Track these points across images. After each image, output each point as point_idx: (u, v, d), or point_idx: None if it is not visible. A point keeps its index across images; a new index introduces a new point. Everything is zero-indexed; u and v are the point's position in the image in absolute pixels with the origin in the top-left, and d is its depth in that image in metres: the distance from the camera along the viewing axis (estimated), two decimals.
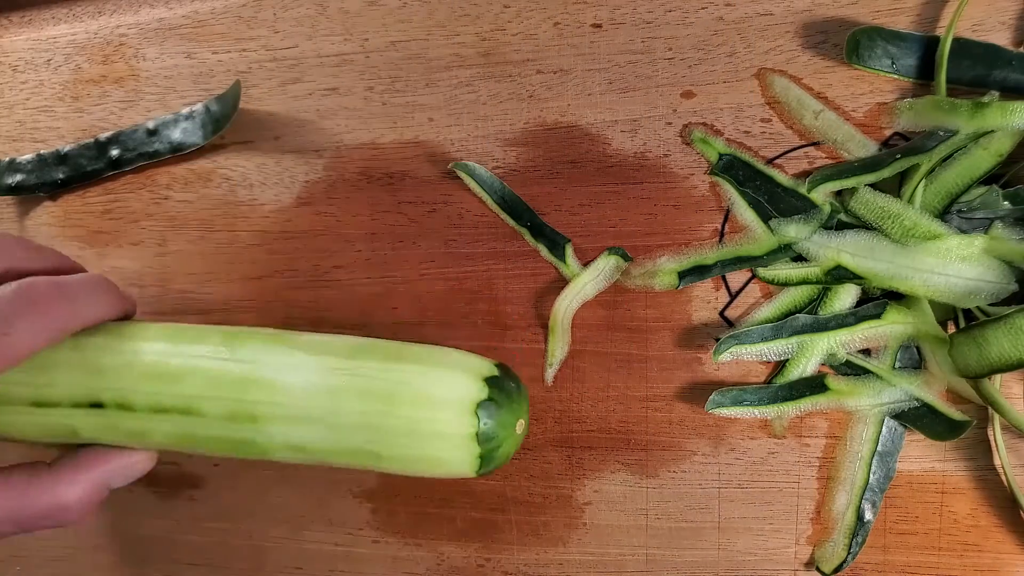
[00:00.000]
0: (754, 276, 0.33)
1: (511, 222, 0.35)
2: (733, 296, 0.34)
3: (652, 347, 0.34)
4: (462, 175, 0.35)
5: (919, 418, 0.31)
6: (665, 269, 0.33)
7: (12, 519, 0.27)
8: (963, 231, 0.30)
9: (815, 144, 0.33)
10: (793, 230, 0.31)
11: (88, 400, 0.28)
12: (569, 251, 0.34)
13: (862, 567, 0.33)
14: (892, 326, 0.31)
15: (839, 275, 0.31)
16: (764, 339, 0.32)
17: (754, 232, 0.33)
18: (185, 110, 0.38)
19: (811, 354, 0.32)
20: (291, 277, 0.38)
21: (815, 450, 0.33)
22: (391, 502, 0.38)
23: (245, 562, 0.40)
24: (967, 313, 0.31)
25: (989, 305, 0.30)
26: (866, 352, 0.32)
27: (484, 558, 0.37)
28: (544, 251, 0.35)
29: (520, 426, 0.29)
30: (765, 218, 0.33)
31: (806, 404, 0.32)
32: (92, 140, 0.39)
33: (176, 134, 0.38)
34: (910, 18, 0.32)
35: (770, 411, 0.32)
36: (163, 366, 0.28)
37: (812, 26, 0.32)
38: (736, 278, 0.34)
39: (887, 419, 0.32)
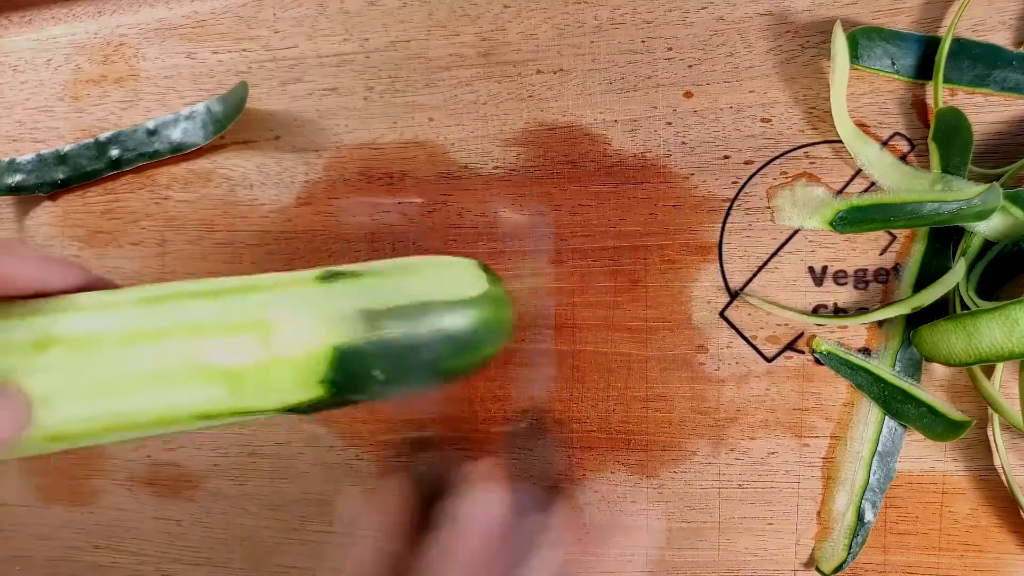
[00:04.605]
0: (754, 276, 0.33)
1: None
2: (733, 296, 0.34)
3: (652, 347, 0.34)
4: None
5: (919, 418, 0.31)
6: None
7: None
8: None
9: (815, 144, 0.33)
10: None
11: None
12: None
13: (862, 567, 0.33)
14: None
15: None
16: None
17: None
18: (185, 110, 0.38)
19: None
20: None
21: (815, 450, 0.33)
22: None
23: (246, 561, 0.40)
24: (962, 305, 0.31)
25: (982, 299, 0.29)
26: (866, 352, 0.32)
27: None
28: None
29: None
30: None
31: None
32: (92, 140, 0.39)
33: (176, 134, 0.38)
34: (910, 18, 0.32)
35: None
36: None
37: (812, 26, 0.32)
38: (736, 278, 0.34)
39: (887, 419, 0.32)
